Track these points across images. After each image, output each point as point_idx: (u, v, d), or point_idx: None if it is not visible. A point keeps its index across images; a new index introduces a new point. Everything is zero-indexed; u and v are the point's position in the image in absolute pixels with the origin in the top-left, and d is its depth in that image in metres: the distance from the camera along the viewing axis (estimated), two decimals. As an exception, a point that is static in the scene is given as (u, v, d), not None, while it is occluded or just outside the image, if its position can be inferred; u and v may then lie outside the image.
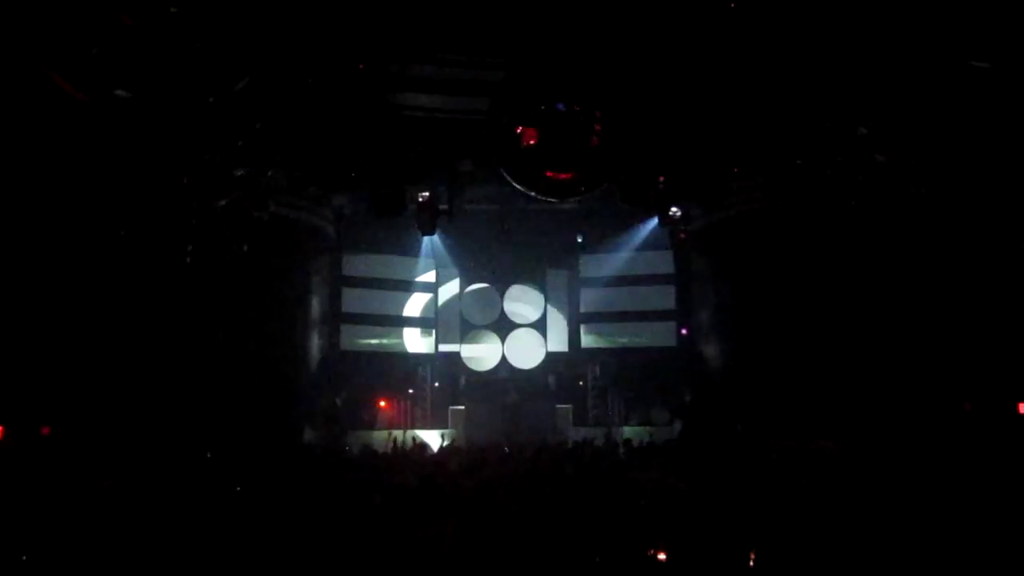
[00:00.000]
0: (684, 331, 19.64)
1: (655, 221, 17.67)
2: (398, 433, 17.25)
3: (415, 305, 20.41)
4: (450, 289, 20.66)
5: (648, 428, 17.88)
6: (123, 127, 9.50)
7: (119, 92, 8.40)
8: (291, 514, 7.30)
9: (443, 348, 20.42)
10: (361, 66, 10.61)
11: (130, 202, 11.67)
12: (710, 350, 18.48)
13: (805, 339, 15.29)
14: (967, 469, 9.00)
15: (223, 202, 13.31)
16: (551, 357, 20.48)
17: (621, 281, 20.32)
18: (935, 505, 7.25)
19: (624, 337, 20.38)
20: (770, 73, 10.47)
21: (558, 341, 20.60)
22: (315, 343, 18.11)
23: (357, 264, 19.44)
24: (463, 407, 18.80)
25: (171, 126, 10.10)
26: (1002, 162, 10.19)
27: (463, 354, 20.45)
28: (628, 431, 17.22)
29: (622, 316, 20.42)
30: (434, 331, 20.49)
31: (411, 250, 19.56)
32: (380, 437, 16.66)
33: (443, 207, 15.10)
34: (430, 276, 20.44)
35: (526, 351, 20.46)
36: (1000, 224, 11.25)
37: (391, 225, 16.74)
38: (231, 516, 7.56)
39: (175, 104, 9.52)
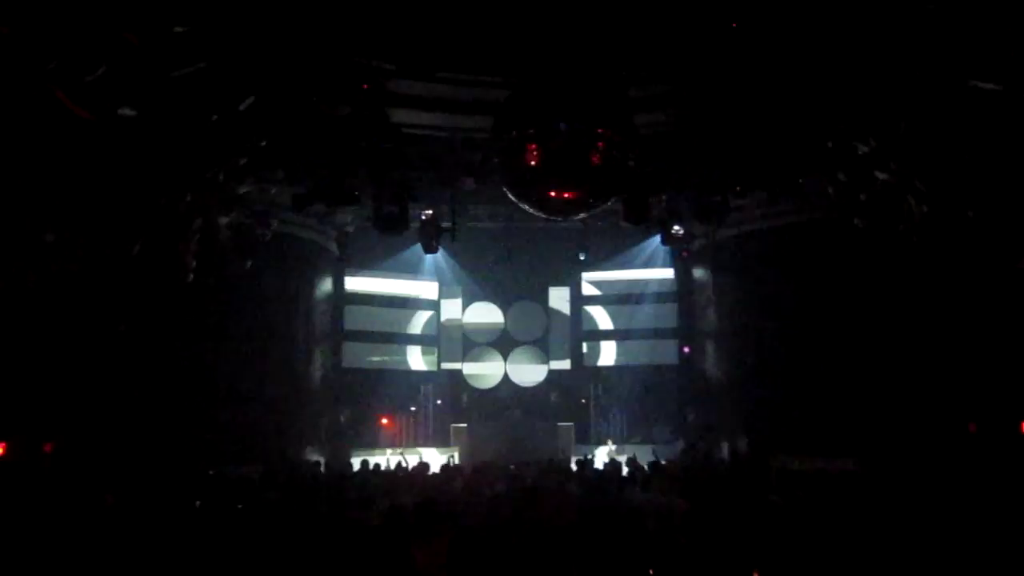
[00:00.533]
0: (686, 349, 19.63)
1: (657, 239, 17.71)
2: (400, 452, 17.25)
3: (417, 323, 20.43)
4: (452, 307, 20.67)
5: (650, 446, 17.83)
6: (128, 145, 9.55)
7: (124, 111, 8.45)
8: (292, 532, 7.28)
9: (445, 366, 20.41)
10: (365, 86, 10.67)
11: (134, 219, 11.70)
12: (712, 368, 18.46)
13: (807, 358, 15.27)
14: (972, 489, 8.98)
15: (226, 219, 13.36)
16: (553, 375, 20.48)
17: (623, 299, 20.34)
18: (938, 525, 7.22)
19: (626, 355, 20.37)
20: (771, 92, 10.52)
21: (560, 359, 20.59)
22: (318, 361, 18.10)
23: (360, 282, 19.48)
24: (465, 425, 18.78)
25: (175, 144, 10.15)
26: (1004, 181, 10.20)
27: (465, 372, 20.45)
28: (630, 449, 17.18)
29: (624, 334, 20.43)
30: (436, 349, 20.49)
31: (414, 268, 19.59)
32: (382, 455, 16.65)
33: (446, 225, 15.14)
34: (432, 294, 20.46)
35: (528, 369, 20.46)
36: (1003, 243, 11.25)
37: (394, 243, 16.80)
38: (231, 533, 7.55)
39: (180, 122, 9.57)
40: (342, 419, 18.17)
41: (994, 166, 10.08)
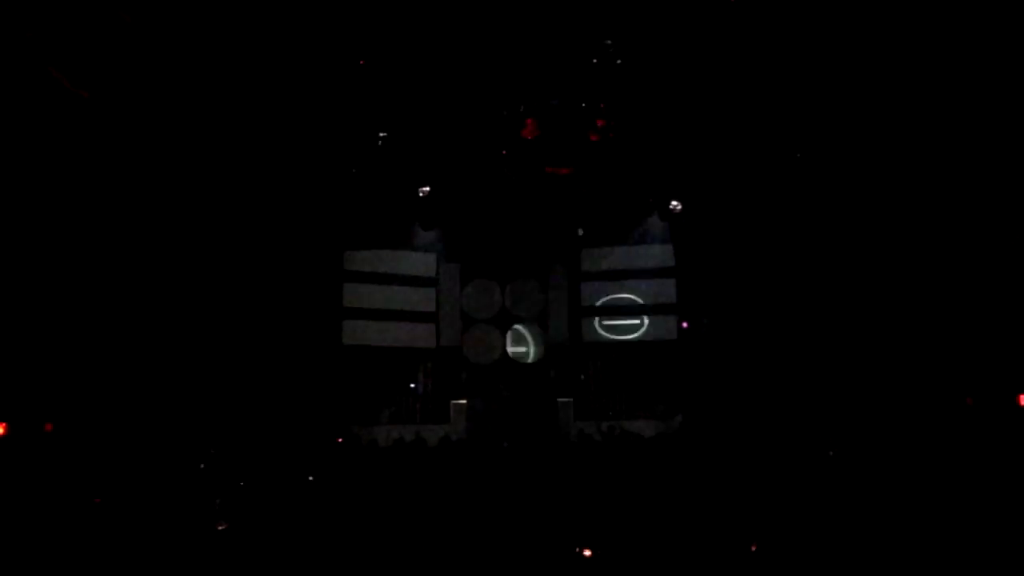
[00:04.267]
0: (685, 325, 19.62)
1: (655, 215, 17.68)
2: (400, 428, 17.35)
3: (416, 300, 20.38)
4: (451, 284, 20.63)
5: (651, 421, 17.91)
6: (126, 123, 9.52)
7: (121, 89, 8.43)
8: (288, 508, 7.33)
9: (444, 343, 20.40)
10: (362, 62, 10.64)
11: (132, 198, 11.67)
12: (711, 344, 18.47)
13: (806, 333, 15.31)
14: (970, 463, 9.03)
15: (226, 198, 13.33)
16: (552, 351, 20.46)
17: (622, 275, 20.28)
18: (937, 499, 7.27)
19: (625, 331, 20.36)
20: (768, 69, 10.49)
21: (559, 335, 20.58)
22: (317, 339, 18.07)
23: (358, 259, 19.42)
24: (464, 401, 18.84)
25: (174, 123, 10.12)
26: (1002, 155, 10.18)
27: (464, 348, 20.44)
28: (629, 425, 17.25)
29: (623, 310, 20.39)
30: (435, 326, 20.47)
31: (412, 245, 19.57)
32: (382, 432, 16.73)
33: (444, 201, 15.13)
34: (431, 270, 20.41)
35: (527, 345, 20.45)
36: (1000, 216, 11.24)
37: (392, 220, 16.75)
38: (229, 510, 7.60)
39: (177, 101, 9.54)
40: (342, 396, 18.18)
41: (992, 140, 10.06)
